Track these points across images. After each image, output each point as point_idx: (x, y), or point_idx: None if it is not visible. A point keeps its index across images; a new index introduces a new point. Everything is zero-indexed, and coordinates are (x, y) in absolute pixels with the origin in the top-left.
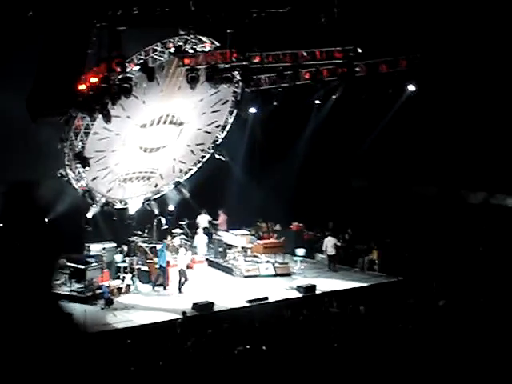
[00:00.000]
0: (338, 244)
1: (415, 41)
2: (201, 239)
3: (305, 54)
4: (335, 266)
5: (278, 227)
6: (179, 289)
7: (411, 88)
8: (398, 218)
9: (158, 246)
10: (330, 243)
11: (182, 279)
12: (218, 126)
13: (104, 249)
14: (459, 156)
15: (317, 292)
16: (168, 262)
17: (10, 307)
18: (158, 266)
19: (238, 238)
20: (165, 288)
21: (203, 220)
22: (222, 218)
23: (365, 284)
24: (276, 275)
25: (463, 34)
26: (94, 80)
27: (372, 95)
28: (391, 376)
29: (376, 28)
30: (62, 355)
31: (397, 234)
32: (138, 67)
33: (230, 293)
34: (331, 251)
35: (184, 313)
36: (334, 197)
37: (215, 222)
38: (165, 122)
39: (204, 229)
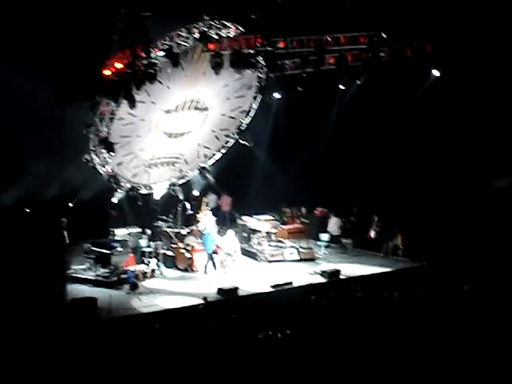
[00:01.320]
0: (342, 224)
1: (440, 25)
2: (209, 219)
3: (329, 39)
4: (341, 243)
5: (303, 210)
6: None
7: (436, 73)
8: (421, 203)
9: (183, 231)
10: (334, 223)
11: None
12: (242, 112)
13: (129, 234)
14: (482, 141)
15: (341, 277)
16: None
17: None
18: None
19: (263, 223)
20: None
21: (211, 200)
22: (225, 199)
23: (389, 269)
24: (300, 260)
25: (488, 18)
26: (118, 65)
27: (396, 80)
28: (414, 360)
29: (400, 13)
30: (87, 339)
31: (421, 219)
32: (163, 53)
33: (254, 278)
34: (336, 231)
35: (205, 298)
36: (358, 182)
37: (218, 202)
38: (189, 108)
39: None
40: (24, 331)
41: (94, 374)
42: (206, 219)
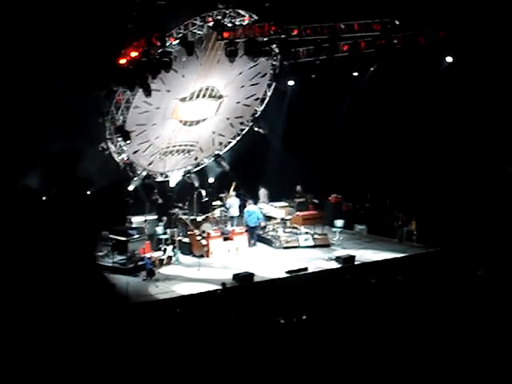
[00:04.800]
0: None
1: (453, 12)
2: (234, 201)
3: (343, 26)
4: None
5: (298, 188)
6: None
7: (449, 59)
8: (435, 189)
9: (199, 218)
10: (262, 193)
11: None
12: (256, 99)
13: (145, 221)
14: (496, 126)
15: (355, 263)
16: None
17: (53, 277)
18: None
19: (277, 209)
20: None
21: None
22: None
23: (403, 254)
24: (315, 246)
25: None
26: (134, 54)
27: (410, 67)
28: (428, 345)
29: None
30: (107, 324)
31: (435, 205)
32: (178, 41)
33: (269, 264)
34: (265, 201)
35: (224, 284)
36: (372, 168)
37: None
38: (204, 96)
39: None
40: (46, 316)
41: (111, 358)
42: (232, 201)
